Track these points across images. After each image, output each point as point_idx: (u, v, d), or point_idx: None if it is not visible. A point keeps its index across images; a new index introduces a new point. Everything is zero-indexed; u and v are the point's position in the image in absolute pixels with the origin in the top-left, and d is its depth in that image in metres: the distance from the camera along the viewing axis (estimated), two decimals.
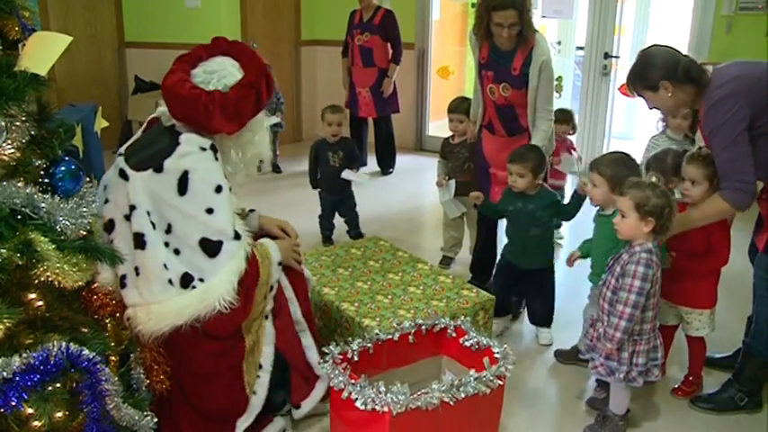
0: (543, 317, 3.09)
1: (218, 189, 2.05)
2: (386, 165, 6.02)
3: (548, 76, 3.09)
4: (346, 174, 4.05)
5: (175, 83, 2.05)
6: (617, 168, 2.52)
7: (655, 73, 2.36)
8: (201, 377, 2.13)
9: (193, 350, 2.07)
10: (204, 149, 2.05)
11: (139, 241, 1.97)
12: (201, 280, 2.03)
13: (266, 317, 2.22)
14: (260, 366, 2.21)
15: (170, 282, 1.99)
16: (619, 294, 2.22)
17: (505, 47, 3.10)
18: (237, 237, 2.09)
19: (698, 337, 2.61)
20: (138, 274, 1.97)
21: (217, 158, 2.07)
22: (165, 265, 1.99)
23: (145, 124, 2.21)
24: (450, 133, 3.74)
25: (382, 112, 5.75)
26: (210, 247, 2.04)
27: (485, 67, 3.20)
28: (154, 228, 1.99)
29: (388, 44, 5.57)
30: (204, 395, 2.14)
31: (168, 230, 2.02)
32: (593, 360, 2.38)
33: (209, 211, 2.03)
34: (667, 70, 2.34)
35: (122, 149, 2.12)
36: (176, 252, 2.02)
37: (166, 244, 2.01)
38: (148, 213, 1.99)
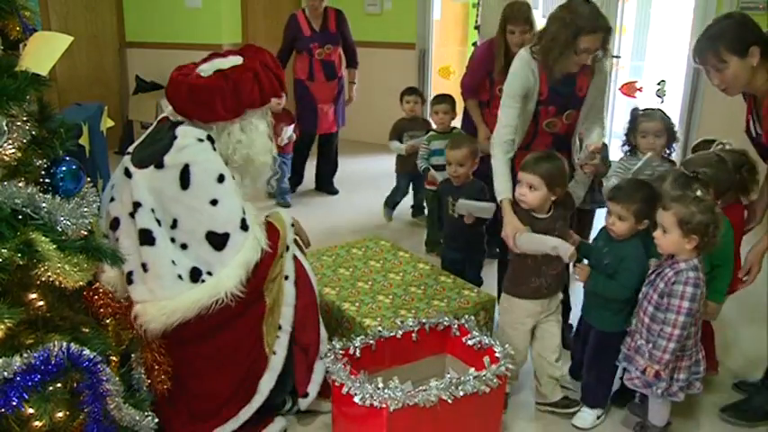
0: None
1: (221, 179, 2.06)
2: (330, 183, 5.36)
3: (607, 84, 2.92)
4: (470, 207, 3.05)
5: (180, 73, 2.10)
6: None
7: (749, 35, 2.16)
8: (222, 340, 2.13)
9: (214, 314, 2.07)
10: (201, 140, 2.07)
11: (147, 237, 1.98)
12: (210, 273, 2.04)
13: (286, 277, 2.22)
14: (279, 327, 2.23)
15: (179, 277, 2.00)
16: (666, 316, 2.11)
17: (573, 69, 2.60)
18: (245, 227, 2.09)
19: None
20: (145, 270, 1.97)
21: (215, 149, 2.09)
22: (173, 262, 2.00)
23: (155, 123, 2.22)
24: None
25: (342, 123, 5.20)
26: (217, 240, 2.05)
27: (543, 104, 2.67)
28: (159, 225, 2.00)
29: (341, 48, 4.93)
30: (225, 359, 2.15)
31: (174, 226, 2.03)
32: (628, 372, 2.29)
33: (214, 202, 2.04)
34: (761, 36, 2.13)
35: (131, 148, 2.14)
36: (183, 247, 2.04)
37: (173, 240, 2.03)
38: (153, 211, 2.00)
